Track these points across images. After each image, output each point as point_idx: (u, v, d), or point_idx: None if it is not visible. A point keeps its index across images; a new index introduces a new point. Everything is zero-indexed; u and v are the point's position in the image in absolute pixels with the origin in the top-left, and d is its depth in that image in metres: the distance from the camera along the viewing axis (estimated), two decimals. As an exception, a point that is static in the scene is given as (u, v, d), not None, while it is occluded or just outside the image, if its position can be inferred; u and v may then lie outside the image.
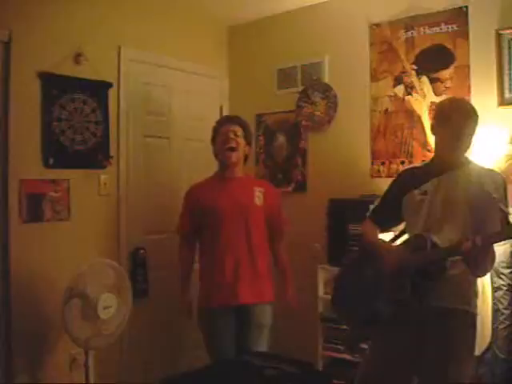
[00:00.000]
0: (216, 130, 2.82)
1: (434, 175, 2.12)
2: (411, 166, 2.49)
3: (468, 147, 2.10)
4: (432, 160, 2.24)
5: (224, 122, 2.85)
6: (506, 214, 1.96)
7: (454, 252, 1.93)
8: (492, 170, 2.15)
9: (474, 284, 2.11)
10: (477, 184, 2.02)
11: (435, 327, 2.01)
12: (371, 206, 2.39)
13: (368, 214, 2.37)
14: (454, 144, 2.07)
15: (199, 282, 2.80)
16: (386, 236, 2.37)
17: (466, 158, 2.16)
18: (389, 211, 2.29)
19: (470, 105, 2.17)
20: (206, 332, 2.77)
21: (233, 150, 2.71)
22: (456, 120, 2.05)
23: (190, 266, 2.85)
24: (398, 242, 2.28)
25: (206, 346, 2.76)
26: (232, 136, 2.71)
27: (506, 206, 2.00)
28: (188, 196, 2.86)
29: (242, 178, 2.81)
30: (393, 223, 2.36)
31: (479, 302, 2.20)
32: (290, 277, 2.85)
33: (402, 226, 2.32)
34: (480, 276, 2.15)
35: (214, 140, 2.83)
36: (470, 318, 2.05)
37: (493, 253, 1.96)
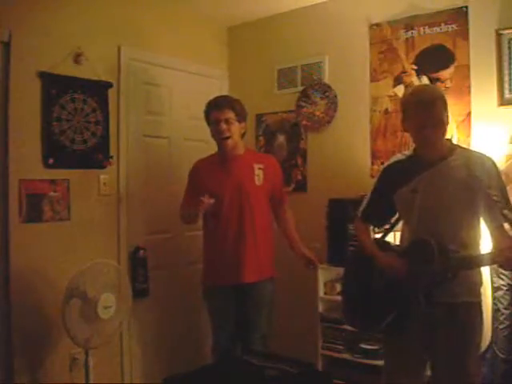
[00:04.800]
0: (207, 115, 2.85)
1: (421, 169, 2.04)
2: (393, 159, 2.23)
3: (442, 131, 2.00)
4: (415, 151, 2.13)
5: (213, 107, 2.81)
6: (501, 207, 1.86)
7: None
8: (482, 155, 2.05)
9: (479, 273, 2.08)
10: (468, 174, 1.96)
11: (445, 321, 2.00)
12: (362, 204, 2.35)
13: (358, 213, 2.31)
14: (424, 134, 1.98)
15: (203, 262, 2.90)
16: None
17: (452, 145, 2.09)
18: (378, 210, 2.25)
19: (431, 88, 2.14)
20: (209, 309, 2.92)
21: (227, 138, 2.76)
22: (417, 109, 1.98)
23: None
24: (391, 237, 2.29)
25: (211, 322, 2.92)
26: (224, 126, 2.74)
27: (501, 195, 1.91)
28: (191, 176, 2.95)
29: (242, 157, 2.84)
30: (385, 220, 2.33)
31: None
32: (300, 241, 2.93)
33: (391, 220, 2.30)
34: None
35: (207, 123, 2.86)
36: (478, 307, 2.05)
37: None
